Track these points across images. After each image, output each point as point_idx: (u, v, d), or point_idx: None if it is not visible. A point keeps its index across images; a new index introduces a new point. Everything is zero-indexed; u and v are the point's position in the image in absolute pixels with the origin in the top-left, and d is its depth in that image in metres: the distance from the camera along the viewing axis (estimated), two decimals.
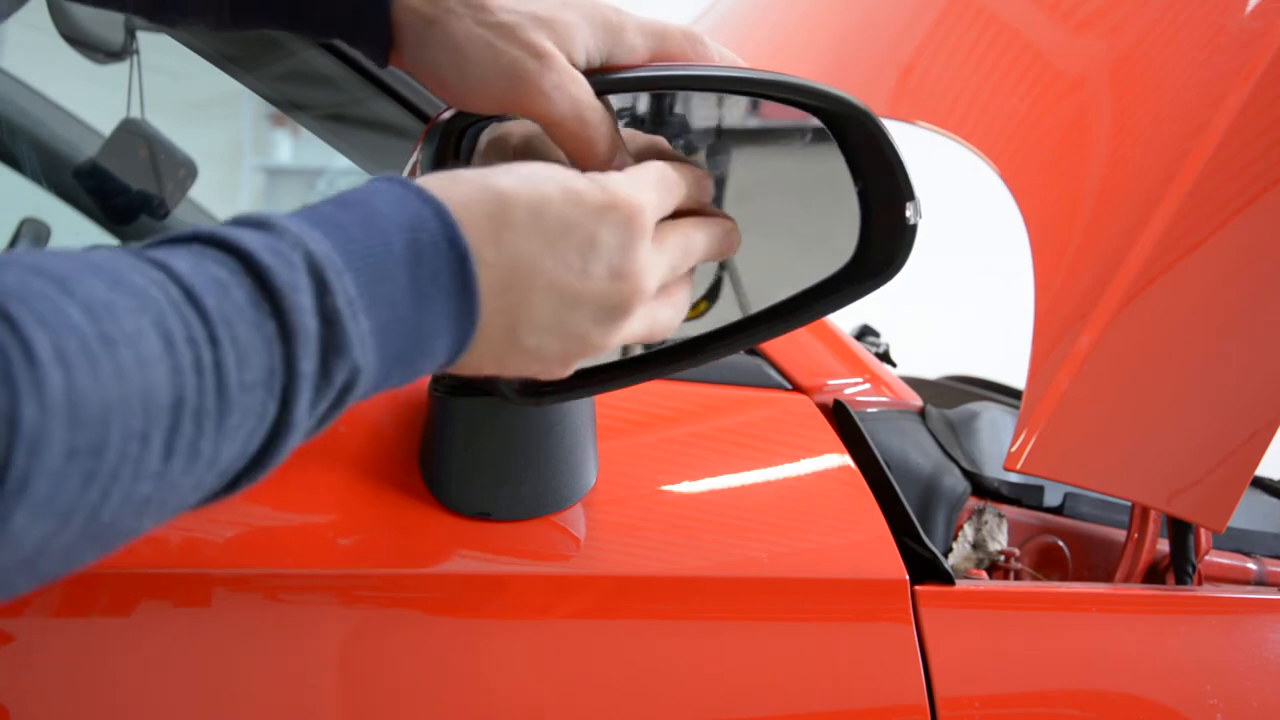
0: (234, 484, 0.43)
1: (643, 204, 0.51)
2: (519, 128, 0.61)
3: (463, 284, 0.46)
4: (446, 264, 0.45)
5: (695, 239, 0.56)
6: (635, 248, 0.50)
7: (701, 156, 0.71)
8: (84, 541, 0.37)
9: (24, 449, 0.34)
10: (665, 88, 0.66)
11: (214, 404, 0.39)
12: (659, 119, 0.68)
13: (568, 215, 0.49)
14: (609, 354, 0.56)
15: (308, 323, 0.41)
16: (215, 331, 0.39)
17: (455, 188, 0.47)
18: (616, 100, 0.61)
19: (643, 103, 0.67)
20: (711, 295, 0.73)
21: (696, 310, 0.72)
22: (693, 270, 0.58)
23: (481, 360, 0.49)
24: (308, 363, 0.41)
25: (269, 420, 0.41)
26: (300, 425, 0.42)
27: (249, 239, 0.42)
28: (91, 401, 0.35)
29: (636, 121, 0.67)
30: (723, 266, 0.72)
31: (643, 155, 0.59)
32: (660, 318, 0.54)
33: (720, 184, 0.73)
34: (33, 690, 0.59)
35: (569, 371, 0.52)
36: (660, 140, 0.62)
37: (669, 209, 0.54)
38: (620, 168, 0.55)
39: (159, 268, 0.39)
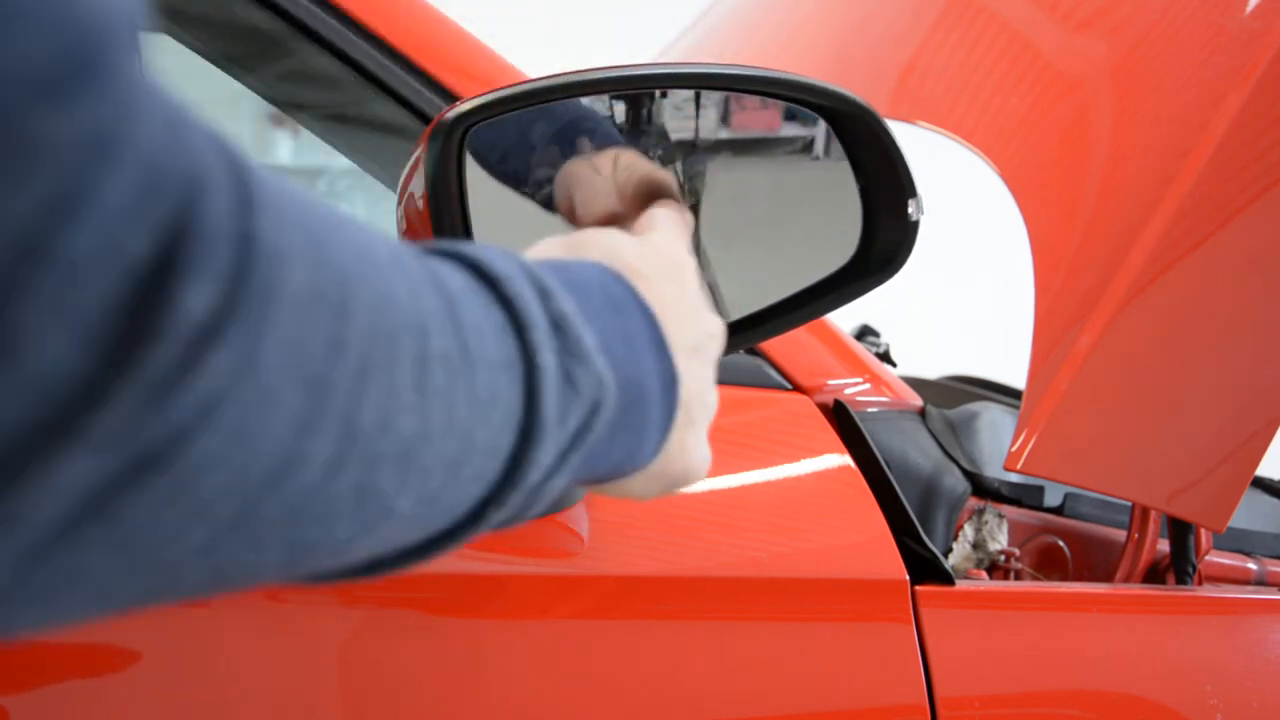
0: (483, 506, 0.38)
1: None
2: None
3: (656, 337, 0.44)
4: (639, 319, 0.44)
5: None
6: (699, 285, 0.52)
7: (700, 158, 0.71)
8: (342, 477, 0.30)
9: (266, 252, 0.27)
10: (669, 87, 0.66)
11: (459, 357, 0.34)
12: (646, 124, 0.68)
13: (679, 282, 0.49)
14: None
15: (537, 317, 0.38)
16: (449, 291, 0.35)
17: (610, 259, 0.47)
18: (596, 109, 0.62)
19: (627, 109, 0.67)
20: None
21: None
22: None
23: (678, 447, 0.47)
24: (547, 356, 0.38)
25: (517, 415, 0.37)
26: (551, 431, 0.38)
27: (453, 245, 0.39)
28: (332, 254, 0.30)
29: (617, 129, 0.67)
30: (702, 266, 0.72)
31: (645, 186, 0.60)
32: None
33: (721, 185, 0.73)
34: (32, 690, 0.59)
35: (705, 464, 0.51)
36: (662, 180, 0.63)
37: None
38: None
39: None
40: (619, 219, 0.59)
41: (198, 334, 0.25)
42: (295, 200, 0.30)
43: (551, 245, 0.48)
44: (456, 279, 0.36)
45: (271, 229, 0.27)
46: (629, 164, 0.61)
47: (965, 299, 3.55)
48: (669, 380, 0.45)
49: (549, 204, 0.62)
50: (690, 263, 0.52)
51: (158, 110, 0.26)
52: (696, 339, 0.48)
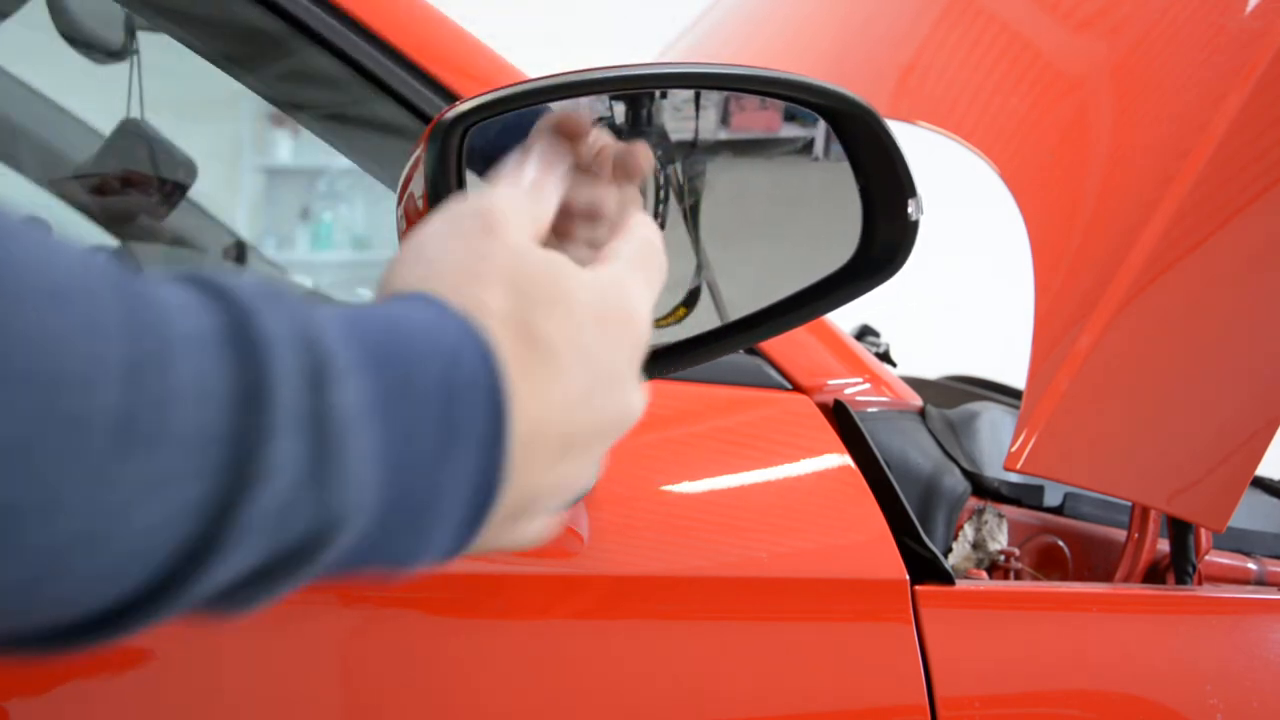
0: (123, 612, 0.31)
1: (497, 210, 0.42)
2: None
3: (493, 436, 0.36)
4: (480, 413, 0.36)
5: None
6: (637, 357, 0.43)
7: (700, 158, 0.71)
8: None
9: None
10: (669, 87, 0.66)
11: (113, 424, 0.28)
12: (646, 124, 0.68)
13: (603, 358, 0.40)
14: None
15: (287, 407, 0.31)
16: (147, 335, 0.29)
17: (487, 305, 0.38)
18: (593, 109, 0.62)
19: (627, 110, 0.67)
20: (690, 302, 0.73)
21: (676, 315, 0.72)
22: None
23: (493, 529, 0.38)
24: (279, 462, 0.30)
25: (200, 517, 0.30)
26: (247, 545, 0.31)
27: (225, 281, 0.32)
28: None
29: (614, 131, 0.67)
30: (701, 267, 0.72)
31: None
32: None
33: (721, 185, 0.73)
34: (32, 691, 0.59)
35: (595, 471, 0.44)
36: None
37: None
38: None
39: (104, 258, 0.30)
40: (590, 199, 0.54)
41: None
42: None
43: (457, 250, 0.40)
44: (188, 324, 0.30)
45: None
46: (598, 136, 0.56)
47: (965, 299, 3.55)
48: (486, 488, 0.36)
49: None
50: (641, 318, 0.43)
51: None
52: (584, 433, 0.40)
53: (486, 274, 0.39)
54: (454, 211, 0.42)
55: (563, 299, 0.39)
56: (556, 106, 0.65)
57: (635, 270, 0.44)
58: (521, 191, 0.46)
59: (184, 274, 0.33)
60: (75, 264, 0.29)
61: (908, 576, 0.73)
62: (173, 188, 1.26)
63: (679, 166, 0.70)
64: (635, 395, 0.42)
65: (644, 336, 0.43)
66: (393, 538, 0.35)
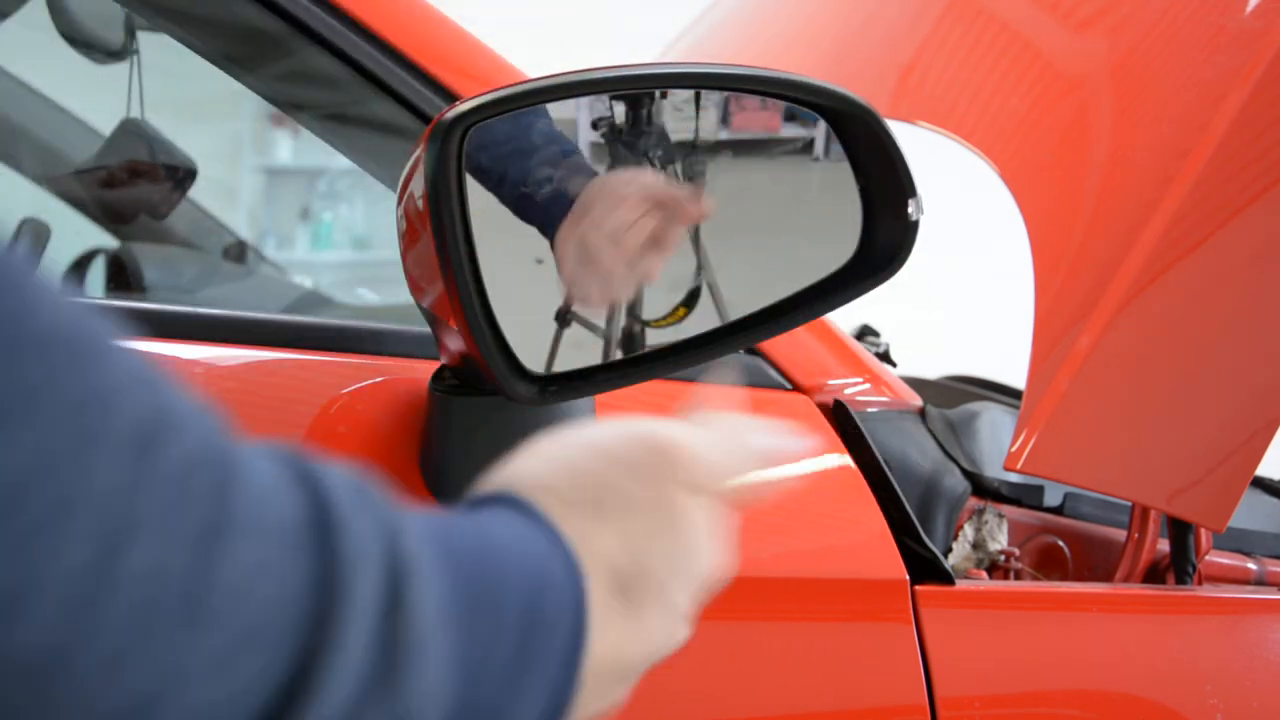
0: None
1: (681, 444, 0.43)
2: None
3: (568, 669, 0.36)
4: (559, 645, 0.36)
5: None
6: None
7: (701, 158, 0.71)
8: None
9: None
10: (669, 87, 0.66)
11: (180, 594, 0.27)
12: (646, 124, 0.68)
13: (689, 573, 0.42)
14: (612, 351, 0.56)
15: (359, 623, 0.30)
16: (229, 510, 0.29)
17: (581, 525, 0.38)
18: (593, 109, 0.62)
19: (628, 110, 0.67)
20: (690, 302, 0.73)
21: (676, 316, 0.72)
22: None
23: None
24: (342, 677, 0.30)
25: (256, 712, 0.29)
26: None
27: (322, 473, 0.32)
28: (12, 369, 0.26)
29: (614, 132, 0.67)
30: (702, 267, 0.72)
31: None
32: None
33: (721, 185, 0.73)
34: None
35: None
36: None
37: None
38: None
39: (220, 420, 0.30)
40: (620, 247, 0.57)
41: None
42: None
43: (561, 492, 0.39)
44: (272, 512, 0.30)
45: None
46: (645, 181, 0.59)
47: (965, 299, 3.55)
48: (552, 713, 0.36)
49: (522, 210, 0.63)
50: (707, 554, 0.43)
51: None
52: (645, 662, 0.41)
53: (611, 511, 0.39)
54: (627, 434, 0.42)
55: (665, 542, 0.40)
56: (553, 110, 0.65)
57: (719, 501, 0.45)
58: (716, 440, 0.45)
59: (280, 452, 0.32)
60: (162, 403, 0.28)
61: (908, 576, 0.73)
62: (175, 180, 1.26)
63: (679, 167, 0.70)
64: (686, 627, 0.44)
65: (712, 562, 0.44)
66: None
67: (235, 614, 0.28)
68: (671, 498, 0.41)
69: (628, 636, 0.39)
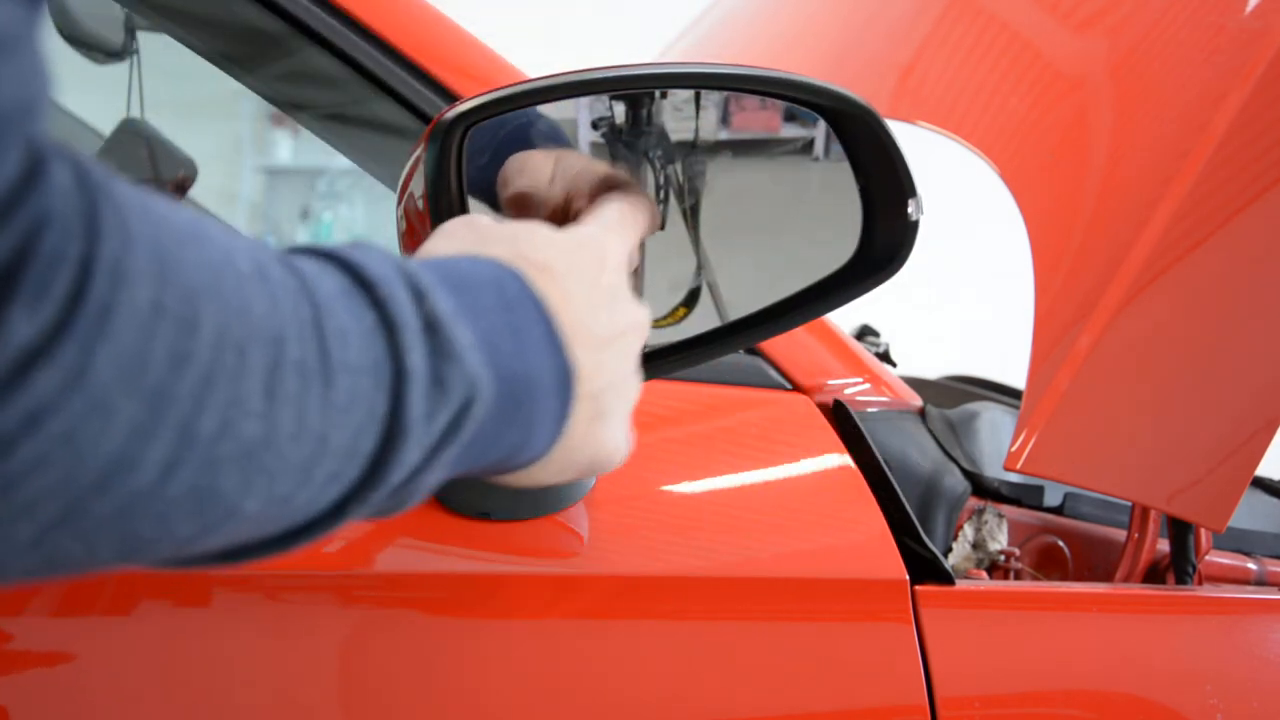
0: (342, 505, 0.38)
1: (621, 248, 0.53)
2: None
3: (550, 332, 0.44)
4: (532, 315, 0.44)
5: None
6: (624, 278, 0.52)
7: (701, 159, 0.71)
8: (179, 479, 0.32)
9: (105, 273, 0.29)
10: (669, 87, 0.66)
11: (317, 364, 0.35)
12: (646, 124, 0.68)
13: (595, 274, 0.49)
14: None
15: (409, 318, 0.39)
16: (314, 296, 0.36)
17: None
18: (593, 109, 0.61)
19: (627, 110, 0.67)
20: (690, 302, 0.73)
21: (676, 316, 0.72)
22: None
23: (581, 433, 0.48)
24: (416, 357, 0.38)
25: (379, 417, 0.37)
26: (415, 432, 0.38)
27: (334, 248, 0.40)
28: (180, 270, 0.31)
29: (614, 132, 0.67)
30: (702, 267, 0.72)
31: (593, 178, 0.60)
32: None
33: (721, 185, 0.73)
34: (33, 690, 0.59)
35: (625, 444, 0.53)
36: (605, 169, 0.62)
37: (632, 247, 0.56)
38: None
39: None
40: (571, 213, 0.59)
41: (24, 354, 0.28)
42: (149, 219, 0.31)
43: (458, 242, 0.48)
44: (329, 284, 0.37)
45: (114, 252, 0.30)
46: (571, 160, 0.61)
47: (966, 299, 3.55)
48: (563, 375, 0.45)
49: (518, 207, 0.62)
50: (615, 252, 0.52)
51: (23, 158, 0.28)
52: (610, 331, 0.48)
53: (489, 241, 0.48)
54: (464, 221, 0.51)
55: (544, 240, 0.49)
56: (553, 110, 0.65)
57: (606, 229, 0.53)
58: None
59: (301, 248, 0.40)
60: (252, 249, 0.35)
61: (908, 576, 0.73)
62: (175, 180, 1.26)
63: (679, 167, 0.70)
64: (634, 306, 0.51)
65: (620, 265, 0.52)
66: (509, 419, 0.43)
67: (346, 367, 0.36)
68: (507, 225, 0.50)
69: (569, 298, 0.46)
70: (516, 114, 0.63)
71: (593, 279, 0.49)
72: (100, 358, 0.29)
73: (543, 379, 0.44)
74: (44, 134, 0.30)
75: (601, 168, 0.61)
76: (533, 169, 0.61)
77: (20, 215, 0.28)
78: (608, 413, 0.49)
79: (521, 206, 0.60)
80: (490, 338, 0.42)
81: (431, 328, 0.39)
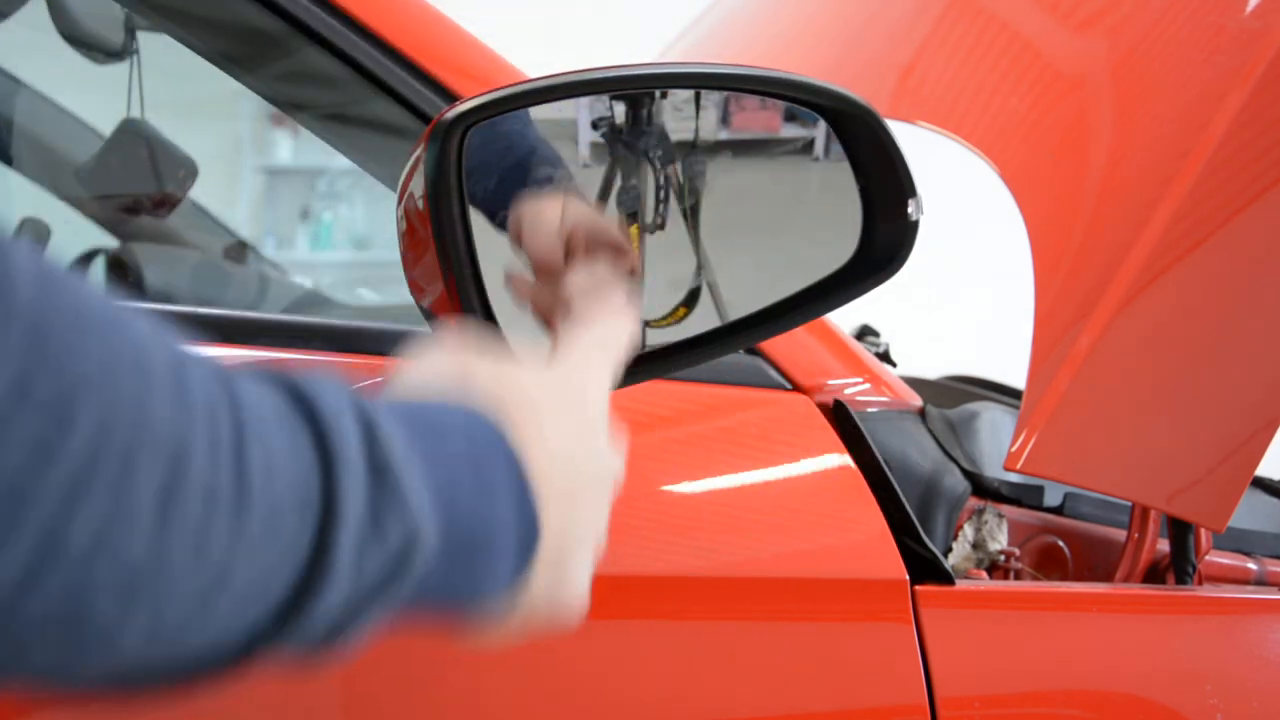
0: (249, 645, 0.35)
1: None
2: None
3: (519, 488, 0.42)
4: (503, 469, 0.42)
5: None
6: (604, 418, 0.50)
7: (701, 159, 0.71)
8: (45, 596, 0.29)
9: None
10: (670, 87, 0.66)
11: (230, 493, 0.33)
12: (647, 124, 0.68)
13: (577, 422, 0.48)
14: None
15: (354, 457, 0.36)
16: (242, 417, 0.34)
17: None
18: (593, 109, 0.62)
19: (628, 110, 0.67)
20: (690, 302, 0.73)
21: (676, 316, 0.72)
22: None
23: (535, 588, 0.45)
24: (353, 500, 0.36)
25: (301, 554, 0.35)
26: (340, 576, 0.36)
27: (291, 374, 0.38)
28: (64, 357, 0.29)
29: (614, 132, 0.67)
30: (702, 267, 0.72)
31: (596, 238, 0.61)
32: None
33: (721, 185, 0.73)
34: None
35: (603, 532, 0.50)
36: (612, 237, 0.64)
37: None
38: None
39: (184, 345, 0.35)
40: (560, 260, 0.60)
41: None
42: (43, 298, 0.30)
43: (440, 369, 0.46)
44: (267, 407, 0.35)
45: None
46: (575, 210, 0.62)
47: (966, 299, 3.55)
48: (527, 533, 0.43)
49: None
50: (598, 387, 0.50)
51: None
52: (584, 481, 0.46)
53: (471, 378, 0.46)
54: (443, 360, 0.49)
55: (529, 383, 0.47)
56: (553, 110, 0.65)
57: (589, 354, 0.51)
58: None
59: (258, 371, 0.38)
60: (178, 358, 0.33)
61: (908, 576, 0.73)
62: (176, 180, 1.26)
63: (679, 166, 0.70)
64: (611, 455, 0.49)
65: (602, 401, 0.50)
66: (457, 566, 0.41)
67: (267, 497, 0.34)
68: (493, 369, 0.47)
69: (544, 447, 0.44)
70: (515, 139, 0.63)
71: (575, 428, 0.47)
72: None
73: (500, 535, 0.42)
74: None
75: (600, 224, 0.62)
76: (548, 223, 0.61)
77: None
78: (569, 569, 0.47)
79: (543, 262, 0.61)
80: (448, 488, 0.40)
81: (379, 470, 0.37)
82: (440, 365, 0.47)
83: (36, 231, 1.30)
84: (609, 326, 0.54)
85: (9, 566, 0.29)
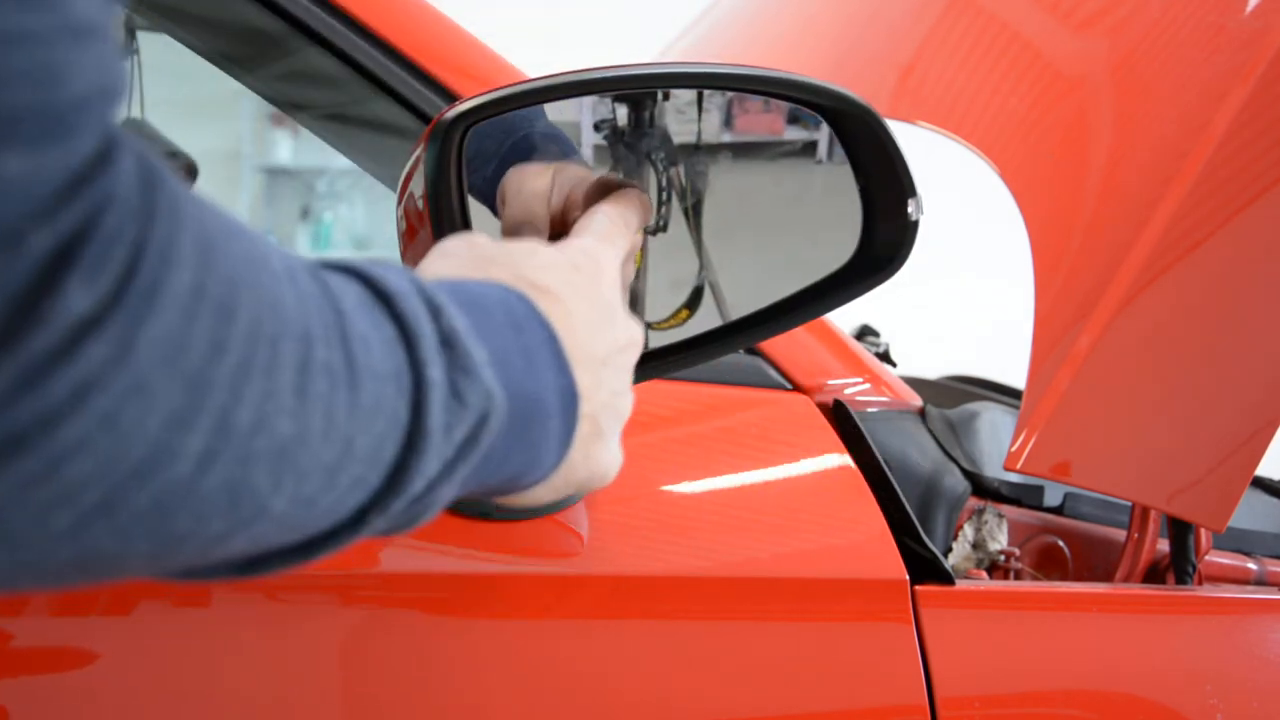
0: (362, 514, 0.39)
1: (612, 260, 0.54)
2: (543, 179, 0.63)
3: (556, 353, 0.46)
4: (539, 336, 0.45)
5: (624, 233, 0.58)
6: (618, 294, 0.53)
7: (702, 159, 0.71)
8: (215, 473, 0.32)
9: (155, 254, 0.30)
10: (670, 87, 0.66)
11: (343, 368, 0.36)
12: (648, 125, 0.68)
13: (579, 285, 0.50)
14: None
15: (427, 331, 0.39)
16: (340, 305, 0.37)
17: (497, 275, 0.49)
18: (595, 110, 0.62)
19: (630, 112, 0.67)
20: (693, 303, 0.73)
21: (679, 318, 0.72)
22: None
23: (582, 453, 0.49)
24: (435, 369, 0.39)
25: (402, 425, 0.38)
26: (434, 442, 0.39)
27: (354, 263, 0.41)
28: (223, 260, 0.32)
29: (616, 134, 0.67)
30: (703, 266, 0.73)
31: (590, 188, 0.61)
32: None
33: (721, 185, 0.73)
34: (33, 690, 0.59)
35: (617, 460, 0.53)
36: (601, 177, 0.64)
37: (626, 248, 0.57)
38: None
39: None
40: (569, 223, 0.60)
41: (78, 324, 0.28)
42: (197, 209, 0.32)
43: (460, 262, 0.49)
44: (350, 294, 0.38)
45: (164, 235, 0.30)
46: (569, 172, 0.62)
47: (965, 299, 3.55)
48: (569, 396, 0.46)
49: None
50: (609, 266, 0.53)
51: (98, 141, 0.29)
52: (607, 350, 0.50)
53: (490, 263, 0.49)
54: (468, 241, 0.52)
55: (544, 262, 0.49)
56: (555, 111, 0.65)
57: (600, 240, 0.54)
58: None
59: (323, 262, 0.40)
60: (282, 253, 0.36)
61: (908, 576, 0.73)
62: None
63: (681, 168, 0.70)
64: (629, 323, 0.52)
65: (614, 279, 0.52)
66: (518, 438, 0.44)
67: (370, 373, 0.37)
68: (505, 245, 0.50)
69: (571, 319, 0.47)
70: (516, 122, 0.63)
71: (591, 299, 0.49)
72: (145, 336, 0.30)
73: (550, 400, 0.45)
74: (116, 120, 0.30)
75: (594, 175, 0.62)
76: (531, 186, 0.62)
77: (89, 193, 0.29)
78: (604, 431, 0.50)
79: (521, 224, 0.61)
80: (502, 356, 0.43)
81: (448, 343, 0.40)
82: (458, 255, 0.49)
83: None
84: (619, 203, 0.57)
85: (192, 446, 0.31)
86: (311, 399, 0.34)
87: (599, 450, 0.50)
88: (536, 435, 0.45)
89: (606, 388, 0.49)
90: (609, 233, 0.56)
